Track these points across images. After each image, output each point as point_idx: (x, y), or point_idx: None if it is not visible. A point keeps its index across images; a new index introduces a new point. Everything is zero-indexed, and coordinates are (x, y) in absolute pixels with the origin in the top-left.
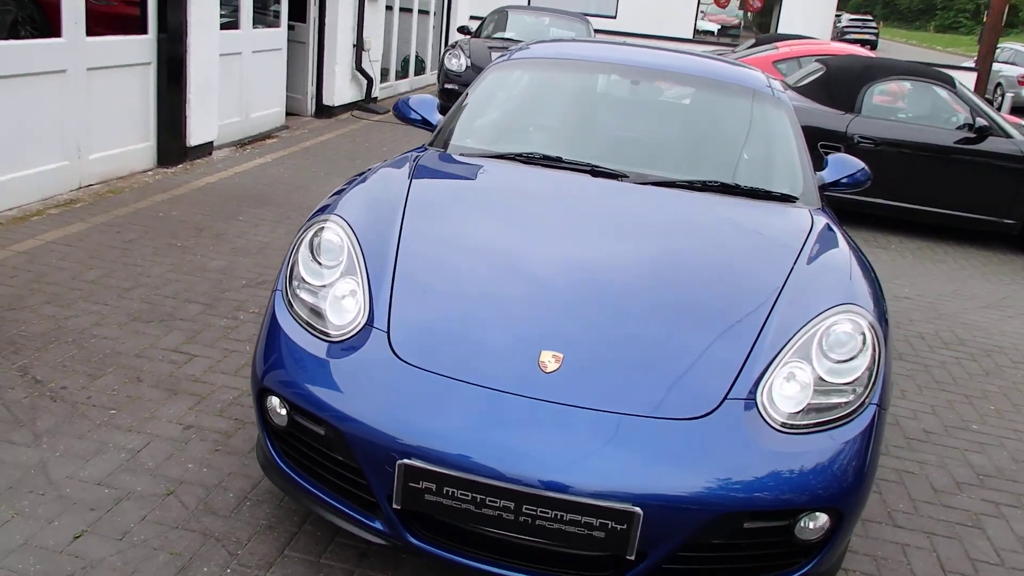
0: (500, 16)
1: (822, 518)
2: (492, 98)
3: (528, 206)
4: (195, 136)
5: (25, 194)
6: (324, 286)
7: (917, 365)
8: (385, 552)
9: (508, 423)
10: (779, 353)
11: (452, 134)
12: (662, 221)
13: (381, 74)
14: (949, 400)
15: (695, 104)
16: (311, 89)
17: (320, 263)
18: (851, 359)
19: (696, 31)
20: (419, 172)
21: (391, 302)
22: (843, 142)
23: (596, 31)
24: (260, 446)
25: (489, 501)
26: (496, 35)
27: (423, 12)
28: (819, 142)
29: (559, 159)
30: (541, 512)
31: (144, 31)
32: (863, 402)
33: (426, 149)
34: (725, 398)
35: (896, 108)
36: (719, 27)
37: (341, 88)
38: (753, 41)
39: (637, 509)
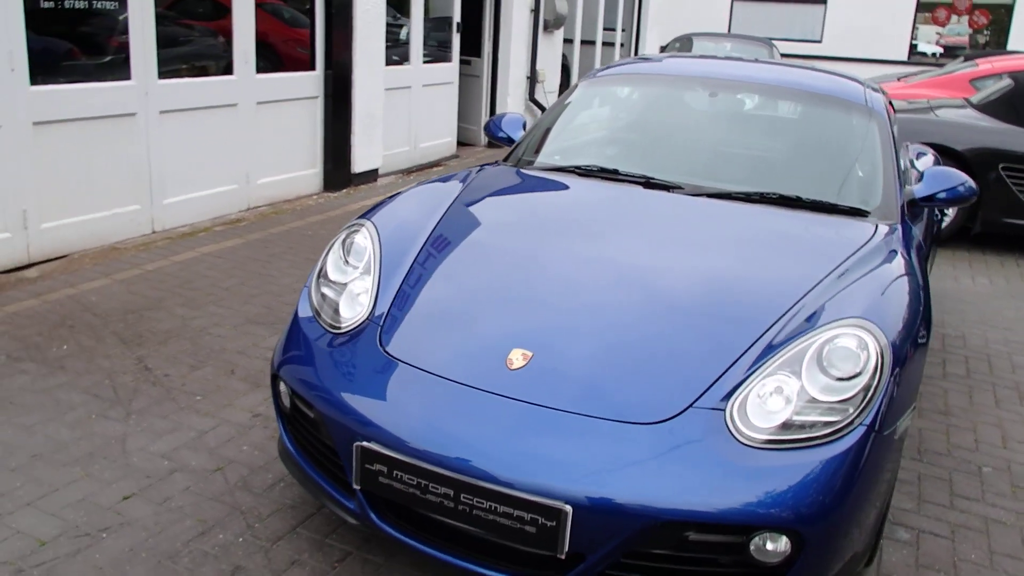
0: (684, 43)
1: (782, 540)
2: (569, 114)
3: (562, 215)
4: (359, 163)
5: (198, 213)
6: (346, 284)
7: None
8: (386, 540)
9: (459, 414)
10: (763, 365)
11: (522, 149)
12: (695, 232)
13: None
14: None
15: (776, 116)
16: (484, 120)
17: (348, 263)
18: (852, 377)
19: (912, 51)
20: (472, 182)
21: (395, 299)
22: None
23: (800, 56)
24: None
25: (431, 487)
26: None
27: (608, 44)
28: (1000, 164)
29: (616, 171)
30: (477, 502)
31: (312, 68)
32: (851, 422)
33: (497, 164)
34: (690, 406)
35: None
36: (940, 49)
37: None
38: (961, 59)
39: (567, 507)
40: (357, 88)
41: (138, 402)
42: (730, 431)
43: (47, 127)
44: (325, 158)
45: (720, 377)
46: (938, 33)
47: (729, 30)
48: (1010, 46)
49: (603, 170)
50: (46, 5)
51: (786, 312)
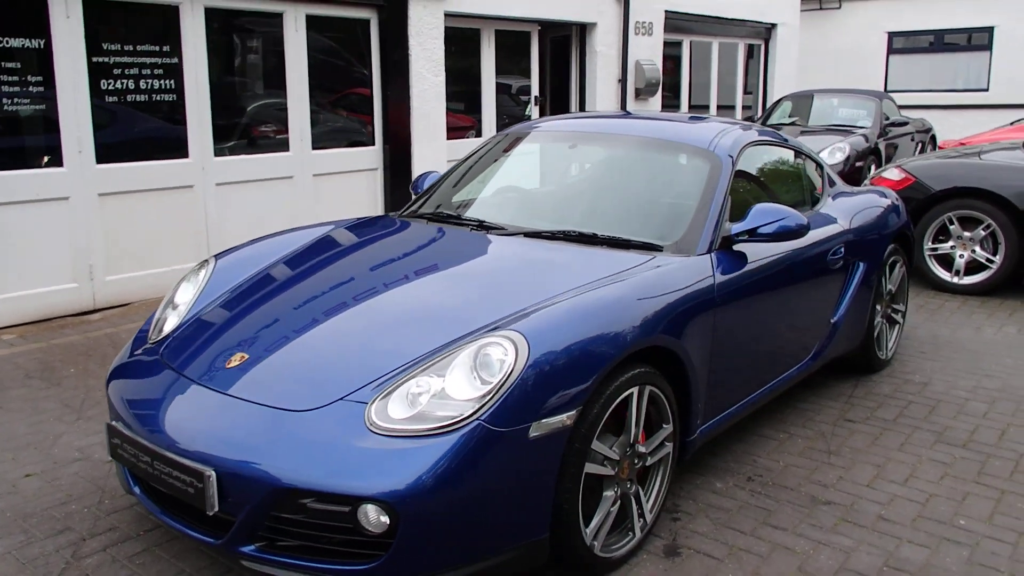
0: (796, 100)
1: (382, 514)
2: (458, 170)
3: (366, 252)
4: None
5: None
6: (178, 306)
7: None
8: None
9: (173, 400)
10: (422, 366)
11: (415, 201)
12: (465, 264)
13: None
14: None
15: (619, 163)
16: None
17: (181, 296)
18: (489, 380)
19: None
20: (341, 226)
21: (193, 319)
22: None
23: (963, 107)
24: None
25: (142, 457)
26: (776, 122)
27: (727, 107)
28: None
29: (457, 217)
30: (159, 466)
31: (372, 143)
32: (468, 418)
33: (386, 216)
34: (341, 399)
35: None
36: None
37: None
38: None
39: (210, 471)
40: (416, 160)
41: (92, 411)
42: (365, 421)
43: (111, 197)
44: None
45: (382, 377)
46: None
47: (885, 86)
48: None
49: (447, 216)
50: (111, 100)
51: (481, 328)
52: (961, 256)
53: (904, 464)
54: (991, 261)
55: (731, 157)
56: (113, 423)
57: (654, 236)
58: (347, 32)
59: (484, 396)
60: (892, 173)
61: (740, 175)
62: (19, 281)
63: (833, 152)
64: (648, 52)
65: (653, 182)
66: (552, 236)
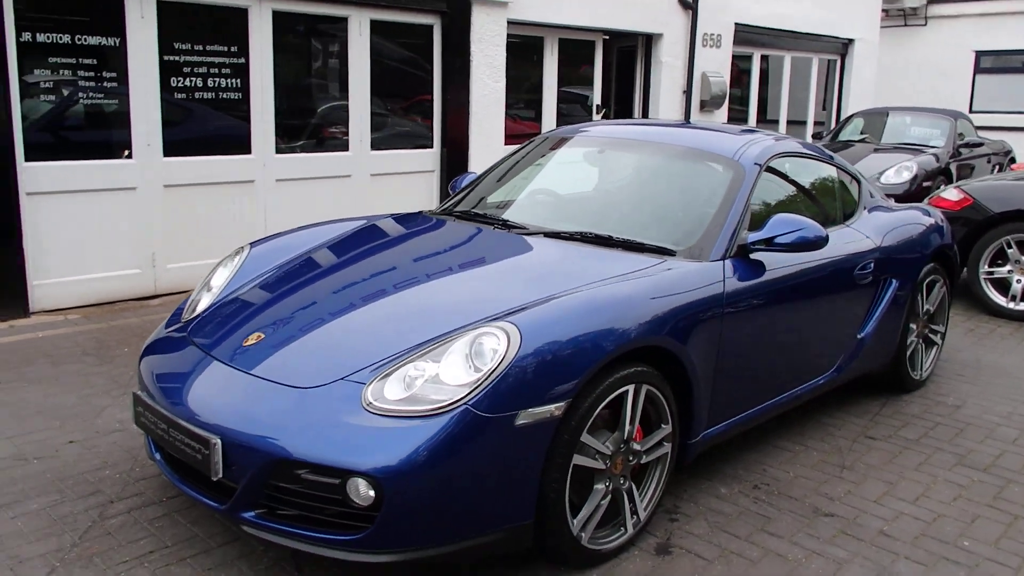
0: (868, 117)
1: (369, 488)
2: (493, 172)
3: (397, 247)
4: None
5: None
6: (212, 288)
7: None
8: None
9: (192, 373)
10: (420, 352)
11: (450, 200)
12: (485, 260)
13: None
14: None
15: (645, 169)
16: None
17: (216, 279)
18: (482, 368)
19: None
20: (373, 221)
21: (222, 299)
22: None
23: None
24: None
25: (159, 424)
26: (846, 138)
27: (798, 123)
28: None
29: (484, 216)
30: (174, 433)
31: (431, 146)
32: (456, 403)
33: (420, 212)
34: (342, 379)
35: None
36: None
37: None
38: None
39: (216, 439)
40: (473, 163)
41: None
42: (361, 400)
43: (176, 188)
44: None
45: (383, 360)
46: None
47: (971, 106)
48: None
49: (476, 215)
50: (179, 96)
51: (482, 319)
52: (1018, 281)
53: (918, 483)
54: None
55: (756, 167)
56: (138, 392)
57: (669, 241)
58: (410, 37)
59: (474, 382)
60: (950, 193)
61: (767, 186)
62: (86, 265)
63: (900, 171)
64: (715, 64)
65: (675, 188)
66: (570, 237)
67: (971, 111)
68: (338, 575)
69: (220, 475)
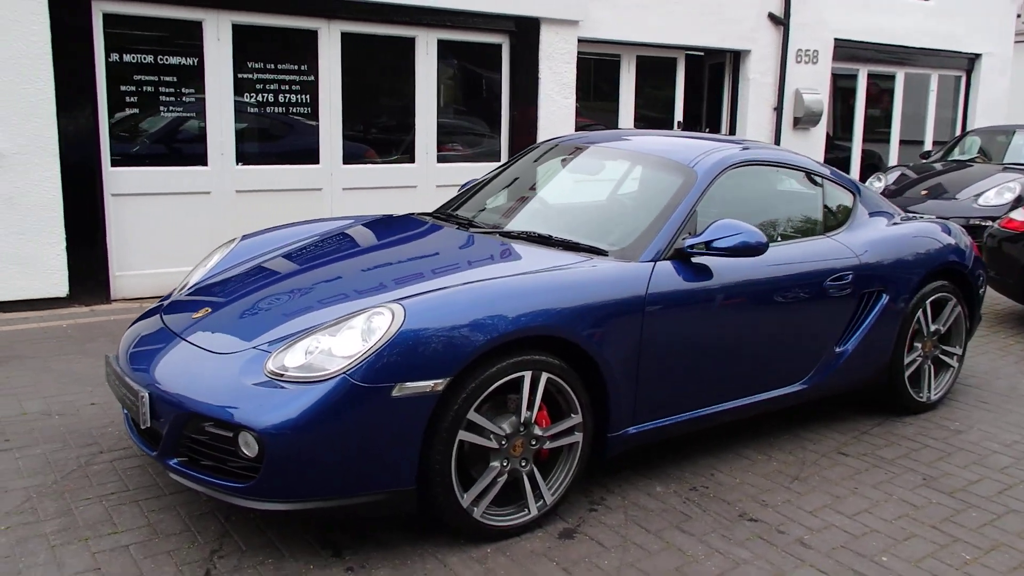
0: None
1: (254, 442)
2: (484, 178)
3: (366, 240)
4: None
5: None
6: (198, 272)
7: None
8: None
9: (151, 340)
10: (324, 326)
11: (443, 204)
12: (431, 252)
13: None
14: None
15: (606, 176)
16: None
17: (206, 264)
18: (368, 341)
19: None
20: (360, 221)
21: (200, 284)
22: None
23: None
24: None
25: (115, 380)
26: (955, 157)
27: (913, 142)
28: None
29: (456, 216)
30: (121, 388)
31: (497, 160)
32: (336, 372)
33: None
34: (253, 347)
35: None
36: None
37: None
38: None
39: (144, 392)
40: None
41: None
42: (263, 366)
43: (247, 194)
44: None
45: (295, 333)
46: None
47: None
48: None
49: (449, 215)
50: (252, 111)
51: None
52: None
53: (867, 499)
54: None
55: (710, 175)
56: (108, 356)
57: (605, 242)
58: (478, 55)
59: (356, 354)
60: (1019, 213)
61: (728, 195)
62: (163, 260)
63: (1001, 192)
64: (811, 81)
65: (629, 194)
66: (517, 236)
67: None
68: (262, 525)
69: (148, 423)
